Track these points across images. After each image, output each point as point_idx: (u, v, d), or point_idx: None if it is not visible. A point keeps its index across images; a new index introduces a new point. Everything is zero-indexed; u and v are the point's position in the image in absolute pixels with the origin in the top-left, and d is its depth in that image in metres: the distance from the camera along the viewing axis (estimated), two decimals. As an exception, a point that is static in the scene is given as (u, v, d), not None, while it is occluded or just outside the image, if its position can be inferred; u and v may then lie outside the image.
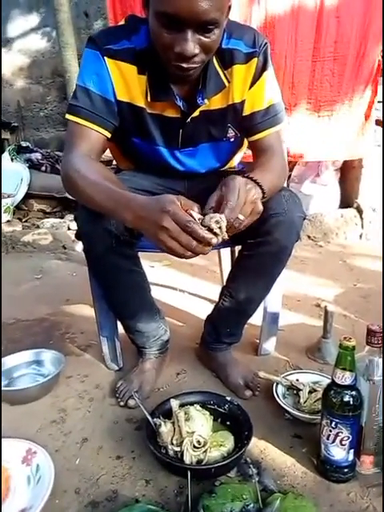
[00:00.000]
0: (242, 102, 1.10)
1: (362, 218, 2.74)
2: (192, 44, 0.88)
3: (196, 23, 0.86)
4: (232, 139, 1.17)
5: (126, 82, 1.05)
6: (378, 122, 2.58)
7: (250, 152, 1.23)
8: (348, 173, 2.83)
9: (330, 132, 2.47)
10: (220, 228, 0.81)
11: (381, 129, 2.60)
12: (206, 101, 1.05)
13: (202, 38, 0.89)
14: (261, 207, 0.89)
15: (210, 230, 0.80)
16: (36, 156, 3.51)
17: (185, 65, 0.92)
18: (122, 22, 1.08)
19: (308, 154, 2.52)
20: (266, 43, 1.07)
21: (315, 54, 2.31)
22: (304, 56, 2.31)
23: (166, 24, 0.87)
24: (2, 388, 1.26)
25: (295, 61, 2.31)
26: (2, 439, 1.01)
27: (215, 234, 0.81)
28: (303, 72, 2.35)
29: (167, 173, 1.21)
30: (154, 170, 1.22)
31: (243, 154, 1.34)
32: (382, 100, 2.47)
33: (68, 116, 1.05)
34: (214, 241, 0.79)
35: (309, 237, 2.69)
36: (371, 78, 2.40)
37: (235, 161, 1.34)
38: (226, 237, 0.83)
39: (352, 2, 2.23)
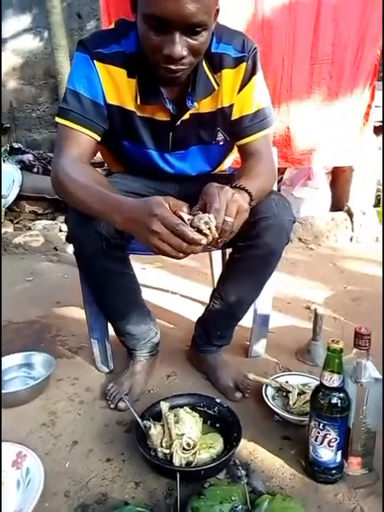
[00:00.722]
0: (231, 106, 1.11)
1: (352, 221, 2.76)
2: (180, 46, 0.89)
3: (183, 25, 0.87)
4: (221, 143, 1.18)
5: (116, 86, 1.05)
6: (376, 130, 2.60)
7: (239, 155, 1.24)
8: (339, 176, 2.85)
9: (328, 136, 2.48)
10: (209, 228, 0.82)
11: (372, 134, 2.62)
12: (195, 104, 1.06)
13: (190, 40, 0.90)
14: (245, 205, 0.90)
15: (200, 230, 0.81)
16: (28, 157, 3.50)
17: (173, 66, 0.92)
18: (112, 26, 1.09)
19: (306, 159, 2.52)
20: (255, 48, 1.08)
21: (313, 56, 2.32)
22: (302, 59, 2.31)
23: (154, 26, 0.88)
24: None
25: (293, 64, 2.31)
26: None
27: (205, 235, 0.81)
28: (301, 75, 2.35)
29: (158, 176, 1.22)
30: (145, 172, 1.22)
31: (234, 157, 1.35)
32: (382, 104, 2.48)
33: (58, 119, 1.05)
34: (204, 241, 0.80)
35: (300, 239, 2.71)
36: (368, 81, 2.41)
37: (225, 164, 1.35)
38: (217, 235, 0.83)
39: (349, 5, 2.25)
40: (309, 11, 2.24)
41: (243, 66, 1.07)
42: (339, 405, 0.91)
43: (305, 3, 2.22)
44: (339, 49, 2.33)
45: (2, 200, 3.15)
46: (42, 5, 3.45)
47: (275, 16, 2.22)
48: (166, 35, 0.88)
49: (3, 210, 3.15)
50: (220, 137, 1.16)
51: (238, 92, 1.09)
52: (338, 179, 2.86)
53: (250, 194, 0.94)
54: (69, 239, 1.12)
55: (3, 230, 2.89)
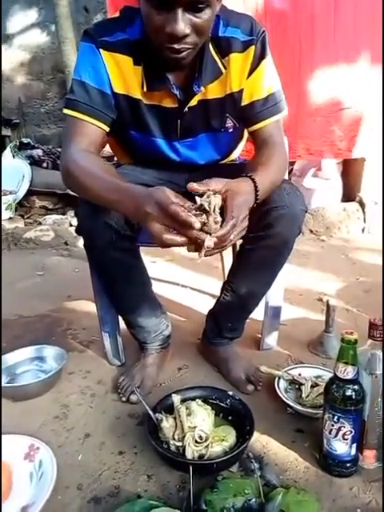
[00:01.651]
0: (240, 91, 1.09)
1: (364, 212, 2.72)
2: (182, 24, 0.87)
3: (185, 1, 0.85)
4: (230, 130, 1.16)
5: (122, 74, 1.04)
6: None
7: (248, 145, 1.22)
8: (350, 166, 2.81)
9: (347, 125, 2.42)
10: (211, 206, 0.81)
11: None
12: (201, 88, 1.04)
13: (193, 18, 0.88)
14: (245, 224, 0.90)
15: (202, 209, 0.80)
16: (37, 152, 3.52)
17: (176, 46, 0.90)
18: (116, 14, 1.07)
19: (324, 150, 2.47)
20: (263, 31, 1.05)
21: (338, 30, 2.22)
22: (322, 35, 2.23)
23: (156, 5, 0.87)
24: (5, 384, 1.27)
25: (314, 41, 2.24)
26: (5, 435, 1.02)
27: (206, 212, 0.80)
28: (323, 53, 2.27)
29: (167, 165, 1.21)
30: (154, 163, 1.21)
31: (243, 146, 1.33)
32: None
33: (65, 110, 1.04)
34: (197, 225, 0.77)
35: (311, 231, 2.68)
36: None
37: (235, 154, 1.33)
38: (219, 218, 0.82)
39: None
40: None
41: (252, 49, 1.04)
42: (354, 397, 0.90)
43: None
44: (363, 21, 2.22)
45: (12, 196, 3.16)
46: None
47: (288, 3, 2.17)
48: (169, 13, 0.86)
49: (13, 205, 3.17)
50: (229, 123, 1.14)
51: (248, 76, 1.07)
52: (350, 169, 2.82)
53: (257, 188, 0.92)
54: (79, 232, 1.12)
55: (13, 225, 2.90)
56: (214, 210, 0.81)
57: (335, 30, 2.24)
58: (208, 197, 0.82)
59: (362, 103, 2.40)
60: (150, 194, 0.81)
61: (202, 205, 0.81)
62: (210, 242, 0.79)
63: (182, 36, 0.89)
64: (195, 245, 0.81)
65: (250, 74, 1.07)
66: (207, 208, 0.81)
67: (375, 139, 2.51)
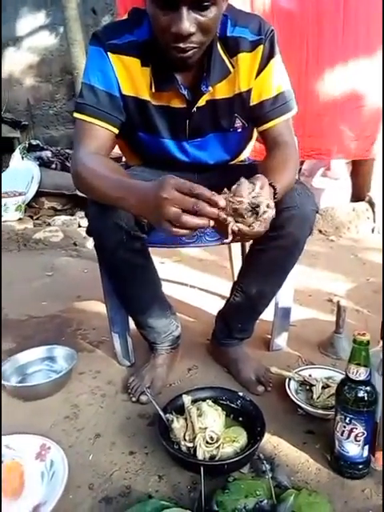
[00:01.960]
0: (249, 91, 1.09)
1: (374, 212, 2.71)
2: (187, 22, 0.87)
3: (190, 0, 0.85)
4: (239, 130, 1.16)
5: (131, 76, 1.04)
6: None
7: (257, 145, 1.22)
8: (359, 166, 2.79)
9: (349, 127, 2.41)
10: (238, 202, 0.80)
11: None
12: (210, 88, 1.04)
13: (198, 16, 0.88)
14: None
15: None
16: (46, 154, 3.54)
17: (182, 45, 0.91)
18: (125, 17, 1.08)
19: (333, 150, 2.46)
20: (272, 30, 1.05)
21: (346, 30, 2.23)
22: (330, 34, 2.22)
23: (161, 5, 0.87)
24: (16, 384, 1.28)
25: (320, 41, 2.24)
26: (17, 435, 1.03)
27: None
28: (331, 52, 2.27)
29: (176, 166, 1.20)
30: (163, 164, 1.21)
31: (252, 147, 1.33)
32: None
33: (75, 114, 1.05)
34: (222, 202, 0.77)
35: (320, 231, 2.67)
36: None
37: (244, 155, 1.32)
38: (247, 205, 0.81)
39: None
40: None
41: (260, 48, 1.04)
42: (366, 398, 0.89)
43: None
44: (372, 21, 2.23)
45: (21, 197, 3.18)
46: (57, 1, 3.46)
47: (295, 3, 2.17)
48: (174, 12, 0.87)
49: (23, 206, 3.19)
50: (238, 123, 1.14)
51: (257, 76, 1.07)
52: (359, 169, 2.80)
53: (275, 190, 0.91)
54: (89, 232, 1.12)
55: (23, 226, 2.93)
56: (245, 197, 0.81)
57: (344, 28, 2.23)
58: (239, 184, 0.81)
59: (378, 101, 2.38)
60: (164, 180, 0.78)
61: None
62: (234, 226, 0.79)
63: (188, 35, 0.89)
64: (218, 227, 0.80)
65: (259, 73, 1.07)
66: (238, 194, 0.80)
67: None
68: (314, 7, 2.18)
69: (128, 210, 0.95)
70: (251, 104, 1.10)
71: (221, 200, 0.77)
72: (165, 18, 0.88)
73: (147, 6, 0.92)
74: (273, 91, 1.08)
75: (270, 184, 0.90)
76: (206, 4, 0.87)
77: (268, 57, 1.06)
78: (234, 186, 0.83)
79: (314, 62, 2.29)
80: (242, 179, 0.84)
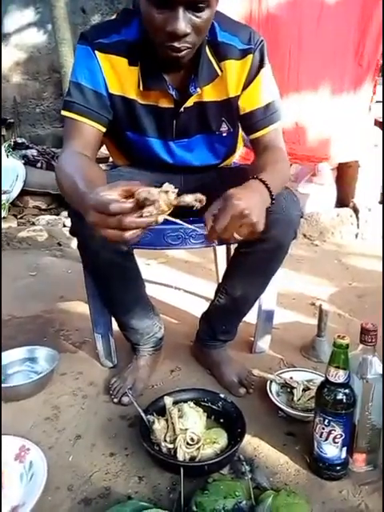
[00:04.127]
0: (237, 98, 1.11)
1: (358, 218, 2.74)
2: (183, 23, 0.88)
3: (187, 0, 0.86)
4: (225, 133, 1.18)
5: (118, 75, 1.05)
6: (377, 123, 2.59)
7: (244, 150, 1.23)
8: (344, 172, 2.83)
9: (335, 133, 2.45)
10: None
11: (378, 129, 2.61)
12: (198, 90, 1.05)
13: (193, 17, 0.90)
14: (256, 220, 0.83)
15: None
16: (32, 152, 3.49)
17: (177, 44, 0.92)
18: (113, 17, 1.09)
19: (315, 157, 2.50)
20: (262, 41, 1.07)
21: (319, 51, 2.28)
22: (308, 54, 2.27)
23: (157, 3, 0.88)
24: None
25: (300, 59, 2.28)
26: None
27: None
28: (308, 70, 2.32)
29: (162, 167, 1.21)
30: (149, 164, 1.22)
31: (240, 153, 1.34)
32: (382, 100, 2.46)
33: (63, 112, 1.05)
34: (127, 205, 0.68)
35: (305, 235, 2.69)
36: (370, 76, 2.39)
37: (232, 159, 1.33)
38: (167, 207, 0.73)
39: (349, 2, 2.22)
40: (313, 7, 2.21)
41: (250, 57, 1.06)
42: (344, 401, 0.91)
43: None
44: (340, 44, 2.30)
45: (5, 195, 3.14)
46: (45, -1, 3.43)
47: (280, 12, 2.20)
48: (170, 12, 0.88)
49: (7, 205, 3.15)
50: (224, 127, 1.16)
51: (247, 85, 1.09)
52: (344, 175, 2.84)
53: (268, 187, 0.92)
54: (72, 232, 1.12)
55: (6, 225, 2.89)
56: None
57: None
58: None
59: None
60: (87, 198, 0.73)
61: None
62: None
63: (183, 35, 0.90)
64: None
65: (249, 82, 1.09)
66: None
67: (368, 145, 2.55)
68: (309, 14, 2.23)
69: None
70: (242, 113, 1.13)
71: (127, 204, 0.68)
72: (160, 16, 0.89)
73: (141, 5, 0.93)
74: (263, 101, 1.11)
75: (263, 182, 0.91)
76: (201, 5, 0.89)
77: (258, 67, 1.08)
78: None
79: (307, 69, 2.33)
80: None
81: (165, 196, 0.72)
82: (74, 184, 0.83)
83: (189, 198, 0.77)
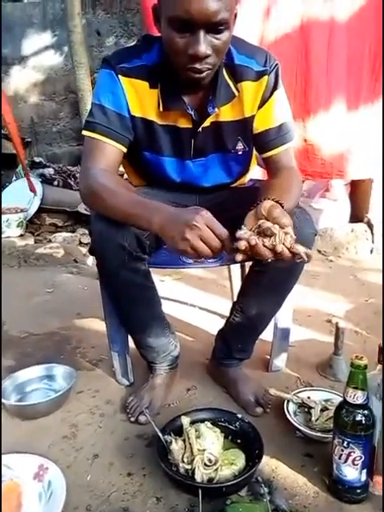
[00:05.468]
0: (252, 117, 1.14)
1: (372, 233, 2.72)
2: (204, 45, 0.93)
3: (207, 24, 0.91)
4: (240, 152, 1.20)
5: (139, 98, 1.09)
6: None
7: (258, 170, 1.25)
8: (358, 187, 2.82)
9: (350, 149, 2.46)
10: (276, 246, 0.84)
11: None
12: (216, 110, 1.09)
13: (213, 39, 0.94)
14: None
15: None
16: (49, 171, 3.57)
17: (198, 66, 0.96)
18: (135, 43, 1.15)
19: (328, 173, 2.50)
20: (277, 64, 1.12)
21: (329, 71, 2.30)
22: (317, 74, 2.30)
23: (179, 28, 0.92)
24: (15, 403, 1.28)
25: (307, 79, 2.31)
26: (16, 454, 1.02)
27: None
28: (317, 90, 2.34)
29: (178, 187, 1.24)
30: (165, 184, 1.24)
31: (253, 173, 1.36)
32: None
33: (85, 132, 1.09)
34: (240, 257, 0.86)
35: (319, 251, 2.68)
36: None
37: (245, 178, 1.35)
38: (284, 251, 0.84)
39: (362, 19, 2.23)
40: (322, 29, 2.23)
41: (265, 79, 1.10)
42: (363, 422, 0.90)
43: (317, 22, 2.22)
44: (355, 62, 2.31)
45: (24, 213, 3.20)
46: (63, 24, 3.54)
47: (289, 30, 2.23)
48: (191, 35, 0.92)
49: (24, 222, 3.21)
50: (240, 146, 1.19)
51: (261, 105, 1.12)
52: (357, 191, 2.83)
53: (283, 207, 0.93)
54: (92, 251, 1.14)
55: (24, 242, 2.94)
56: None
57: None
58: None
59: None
60: (199, 210, 0.87)
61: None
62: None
63: (204, 56, 0.94)
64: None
65: (264, 102, 1.12)
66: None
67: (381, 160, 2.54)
68: (318, 36, 2.25)
69: (145, 227, 0.96)
70: (256, 132, 1.16)
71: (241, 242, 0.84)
72: (181, 40, 0.93)
73: (162, 30, 0.97)
74: (277, 121, 1.14)
75: (277, 201, 0.93)
76: (220, 28, 0.93)
77: (273, 88, 1.12)
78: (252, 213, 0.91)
79: (316, 88, 2.35)
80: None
81: (283, 236, 0.84)
82: (135, 198, 0.97)
83: (301, 249, 0.85)
